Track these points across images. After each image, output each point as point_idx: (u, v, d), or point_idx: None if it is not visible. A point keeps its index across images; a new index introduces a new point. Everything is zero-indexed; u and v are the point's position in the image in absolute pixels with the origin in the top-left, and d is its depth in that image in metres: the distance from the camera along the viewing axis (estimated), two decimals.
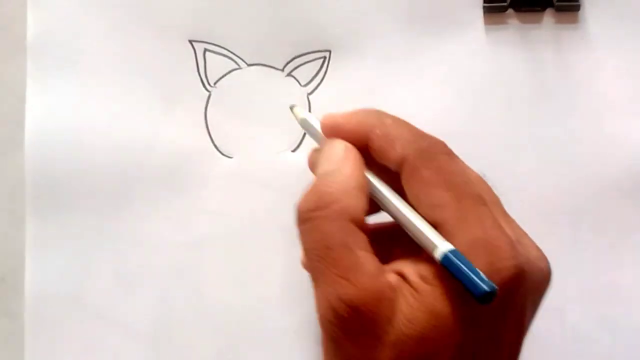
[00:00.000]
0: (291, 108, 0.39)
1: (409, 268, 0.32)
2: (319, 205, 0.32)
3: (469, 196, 0.32)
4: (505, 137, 0.43)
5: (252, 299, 0.43)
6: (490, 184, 0.35)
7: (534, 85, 0.43)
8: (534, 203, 0.42)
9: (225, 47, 0.43)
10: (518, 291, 0.31)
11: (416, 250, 0.32)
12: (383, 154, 0.34)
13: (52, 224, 0.43)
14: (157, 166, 0.43)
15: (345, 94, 0.43)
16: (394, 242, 0.34)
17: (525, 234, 0.34)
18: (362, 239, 0.32)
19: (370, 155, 0.35)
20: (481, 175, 0.35)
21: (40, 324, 0.42)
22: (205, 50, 0.43)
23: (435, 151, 0.33)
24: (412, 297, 0.31)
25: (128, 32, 0.43)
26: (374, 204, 0.34)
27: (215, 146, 0.43)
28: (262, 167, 0.43)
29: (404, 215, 0.33)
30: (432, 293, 0.31)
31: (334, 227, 0.32)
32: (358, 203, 0.33)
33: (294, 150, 0.43)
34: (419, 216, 0.32)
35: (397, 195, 0.34)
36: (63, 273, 0.43)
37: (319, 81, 0.43)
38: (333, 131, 0.36)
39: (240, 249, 0.43)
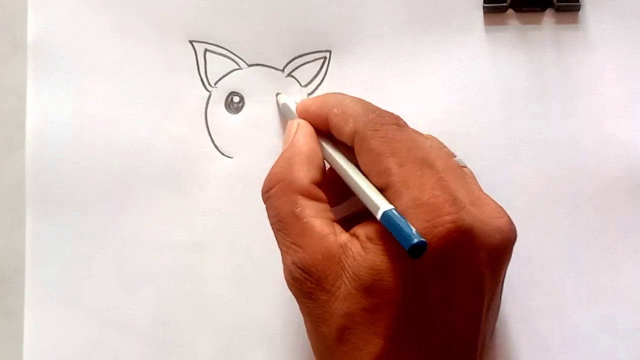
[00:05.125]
0: (276, 95, 0.43)
1: (361, 230, 0.35)
2: (269, 186, 0.37)
3: (411, 160, 0.34)
4: (505, 137, 0.43)
5: (252, 299, 0.43)
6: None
7: (534, 86, 0.43)
8: (534, 203, 0.42)
9: (226, 47, 0.43)
10: (463, 247, 0.33)
11: (373, 215, 0.35)
12: (339, 130, 0.37)
13: (52, 224, 0.43)
14: (157, 166, 0.43)
15: (346, 94, 0.43)
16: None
17: (486, 197, 0.37)
18: (311, 206, 0.36)
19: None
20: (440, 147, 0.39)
21: (40, 324, 0.42)
22: (206, 50, 0.43)
23: (382, 122, 0.36)
24: (358, 254, 0.34)
25: (128, 32, 0.43)
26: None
27: (216, 146, 0.43)
28: (262, 167, 0.42)
29: (354, 182, 0.36)
30: (374, 250, 0.34)
31: (282, 202, 0.36)
32: (304, 175, 0.36)
33: None
34: (367, 182, 0.35)
35: (351, 165, 0.37)
36: (63, 273, 0.43)
37: (319, 81, 0.43)
38: (303, 114, 0.39)
39: (240, 249, 0.43)
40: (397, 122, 0.37)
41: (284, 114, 0.42)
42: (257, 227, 0.42)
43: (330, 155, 0.38)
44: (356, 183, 0.35)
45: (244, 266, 0.43)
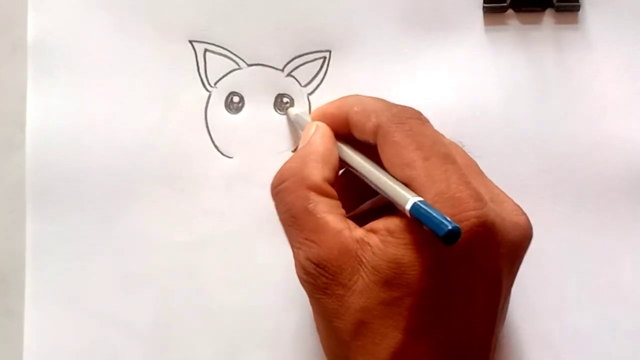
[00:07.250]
0: (287, 110, 0.43)
1: (380, 224, 0.35)
2: (281, 180, 0.37)
3: (436, 155, 0.35)
4: (505, 137, 0.43)
5: (252, 298, 0.43)
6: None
7: (533, 86, 0.43)
8: (534, 203, 0.42)
9: (226, 47, 0.43)
10: (485, 242, 0.33)
11: (393, 211, 0.35)
12: (361, 127, 0.37)
13: (52, 224, 0.43)
14: (157, 166, 0.43)
15: (346, 94, 0.43)
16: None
17: (504, 194, 0.37)
18: (324, 202, 0.35)
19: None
20: (458, 143, 0.39)
21: (40, 324, 0.42)
22: (206, 50, 0.43)
23: (406, 116, 0.36)
24: (377, 248, 0.34)
25: (128, 32, 0.43)
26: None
27: (215, 146, 0.43)
28: (262, 167, 0.43)
29: (376, 176, 0.36)
30: (395, 244, 0.33)
31: (295, 197, 0.36)
32: (318, 172, 0.36)
33: (294, 151, 0.43)
34: (389, 176, 0.35)
35: (369, 161, 0.37)
36: (63, 273, 0.43)
37: (319, 81, 0.43)
38: (320, 118, 0.39)
39: (241, 249, 0.43)
40: (420, 117, 0.37)
41: (295, 125, 0.42)
42: (257, 227, 0.42)
43: (349, 155, 0.38)
44: (379, 177, 0.35)
45: (244, 266, 0.43)
